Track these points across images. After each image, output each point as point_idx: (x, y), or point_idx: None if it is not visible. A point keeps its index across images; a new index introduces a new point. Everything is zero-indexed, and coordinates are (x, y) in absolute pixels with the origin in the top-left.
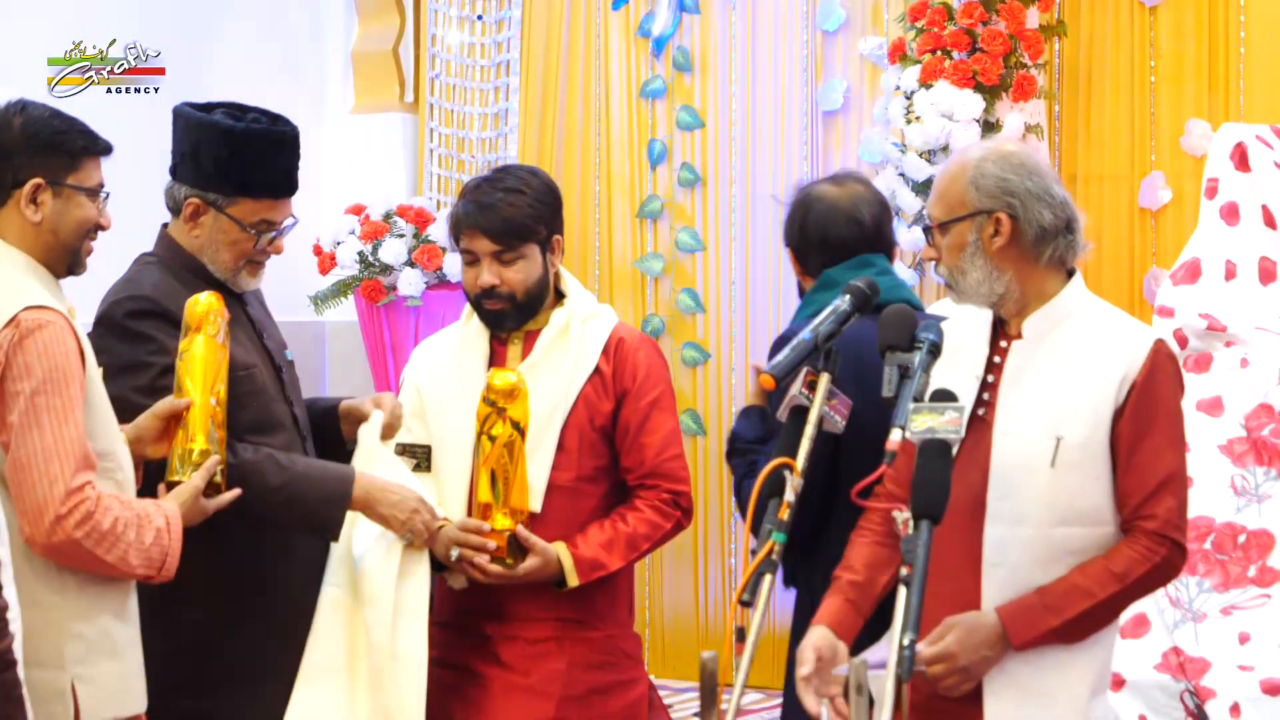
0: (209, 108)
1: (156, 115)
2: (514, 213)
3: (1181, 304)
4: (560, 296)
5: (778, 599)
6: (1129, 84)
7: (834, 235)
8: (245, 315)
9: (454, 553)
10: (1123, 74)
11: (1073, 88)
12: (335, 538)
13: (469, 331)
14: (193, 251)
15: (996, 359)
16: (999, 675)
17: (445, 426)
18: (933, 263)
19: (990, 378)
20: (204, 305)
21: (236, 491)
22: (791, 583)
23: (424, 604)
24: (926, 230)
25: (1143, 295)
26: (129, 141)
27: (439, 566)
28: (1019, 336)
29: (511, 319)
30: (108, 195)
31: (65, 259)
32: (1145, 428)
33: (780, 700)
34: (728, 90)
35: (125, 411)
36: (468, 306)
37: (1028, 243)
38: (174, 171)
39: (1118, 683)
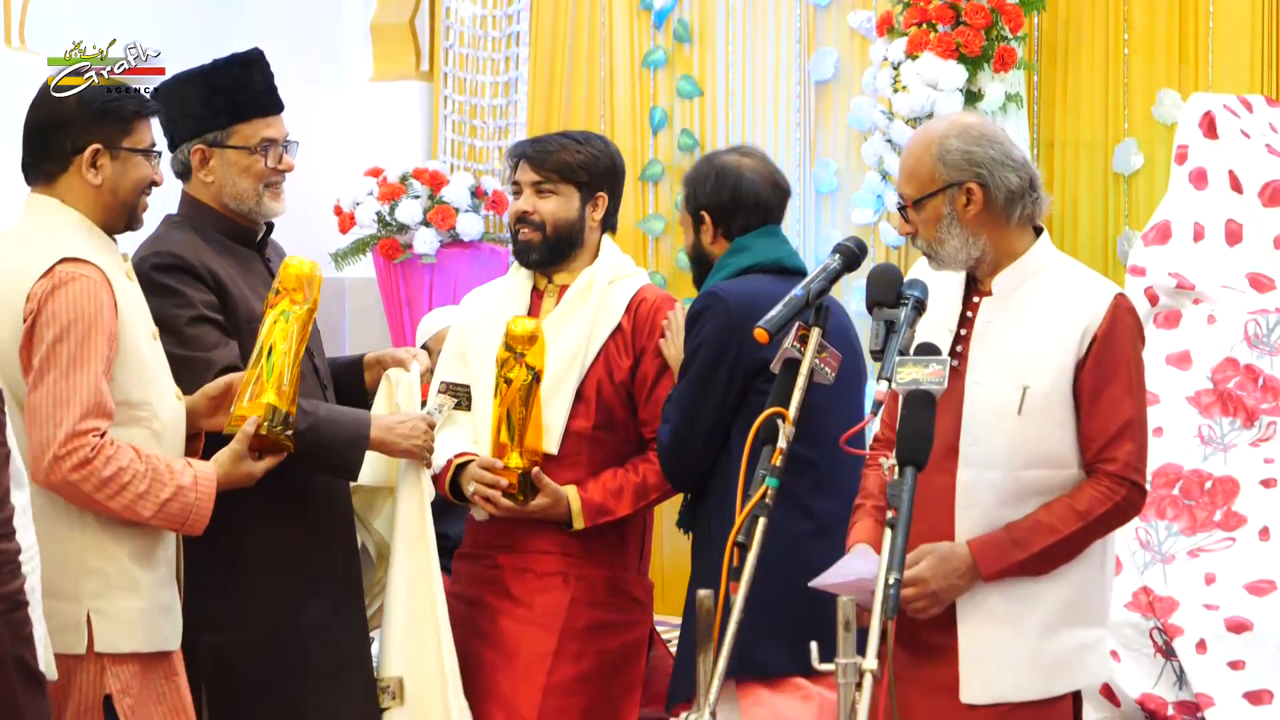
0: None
1: None
2: (561, 152)
3: (1152, 264)
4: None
5: None
6: (1104, 56)
7: (764, 198)
8: (266, 269)
9: (470, 487)
10: (1098, 46)
11: (1050, 59)
12: (354, 478)
13: (513, 281)
14: (213, 198)
15: (969, 314)
16: (972, 606)
17: (482, 368)
18: (910, 236)
19: (963, 331)
20: (308, 269)
21: (275, 459)
22: (688, 527)
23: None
24: (901, 209)
25: (1116, 255)
26: None
27: (464, 499)
28: (990, 293)
29: (538, 251)
30: (160, 153)
31: (124, 216)
32: (1106, 377)
33: None
34: (725, 61)
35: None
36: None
37: (998, 207)
38: (171, 142)
39: None
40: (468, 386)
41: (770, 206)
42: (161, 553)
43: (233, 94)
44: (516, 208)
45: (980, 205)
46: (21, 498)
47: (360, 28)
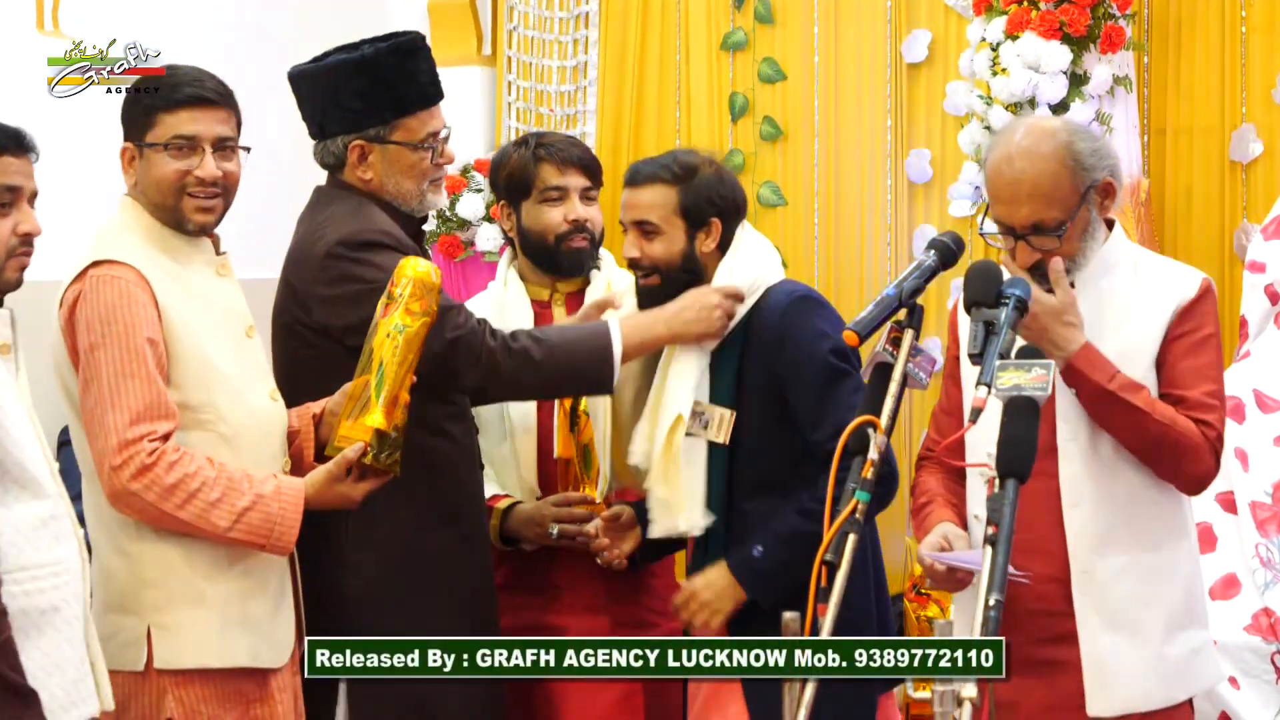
0: (321, 58)
1: None
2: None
3: (1273, 259)
4: None
5: None
6: (1219, 34)
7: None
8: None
9: (554, 530)
10: (1213, 24)
11: (1162, 39)
12: (610, 390)
13: (508, 297)
14: (372, 192)
15: None
16: (1090, 614)
17: None
18: (1034, 264)
19: None
20: (427, 274)
21: (377, 482)
22: None
23: None
24: (1023, 238)
25: (1232, 249)
26: None
27: (513, 543)
28: (1072, 287)
29: (590, 259)
30: (188, 142)
31: (169, 215)
32: (1196, 346)
33: None
34: (810, 42)
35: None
36: (503, 270)
37: (1113, 197)
38: (320, 131)
39: None
40: None
41: None
42: (230, 566)
43: (395, 86)
44: (578, 213)
45: (1113, 198)
46: (41, 508)
47: (417, 8)
